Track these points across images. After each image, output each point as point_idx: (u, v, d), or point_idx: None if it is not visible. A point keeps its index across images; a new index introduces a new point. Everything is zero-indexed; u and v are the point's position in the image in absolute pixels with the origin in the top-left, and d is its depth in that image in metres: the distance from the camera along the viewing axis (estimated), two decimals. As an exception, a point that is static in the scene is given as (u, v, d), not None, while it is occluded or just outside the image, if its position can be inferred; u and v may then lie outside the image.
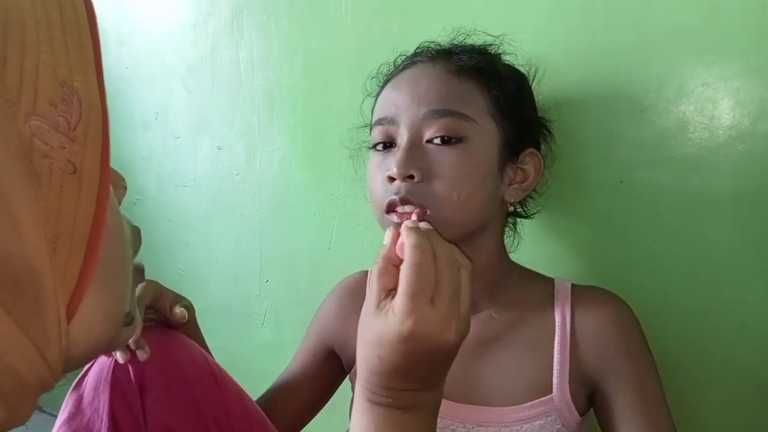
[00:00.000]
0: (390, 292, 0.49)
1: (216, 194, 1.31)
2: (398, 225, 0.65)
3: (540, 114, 0.79)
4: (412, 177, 0.65)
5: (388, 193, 0.66)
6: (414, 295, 0.46)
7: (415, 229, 0.49)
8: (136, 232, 0.43)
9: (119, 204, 0.40)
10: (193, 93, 1.32)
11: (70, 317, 0.33)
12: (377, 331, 0.47)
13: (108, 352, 0.41)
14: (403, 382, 0.49)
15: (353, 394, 0.82)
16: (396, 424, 0.50)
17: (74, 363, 0.36)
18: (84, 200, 0.33)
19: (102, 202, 0.34)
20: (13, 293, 0.30)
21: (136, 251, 0.43)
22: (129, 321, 0.40)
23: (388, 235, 0.53)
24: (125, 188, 0.43)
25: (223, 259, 1.33)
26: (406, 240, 0.48)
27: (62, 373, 0.35)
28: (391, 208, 0.66)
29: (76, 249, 0.33)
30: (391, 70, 0.76)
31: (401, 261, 0.49)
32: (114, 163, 0.36)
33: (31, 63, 0.32)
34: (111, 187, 0.36)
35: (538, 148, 0.75)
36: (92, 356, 0.38)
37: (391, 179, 0.66)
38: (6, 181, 0.30)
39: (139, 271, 0.45)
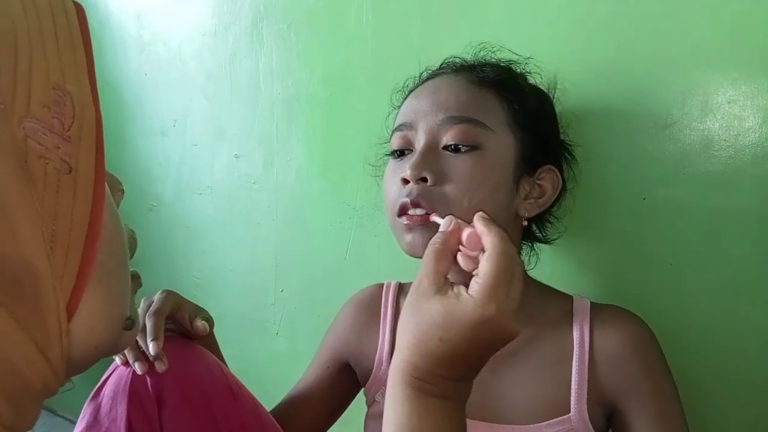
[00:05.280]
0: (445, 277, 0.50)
1: (233, 202, 1.32)
2: (411, 223, 0.65)
3: (563, 137, 0.78)
4: (425, 180, 0.65)
5: (400, 195, 0.67)
6: (500, 282, 0.47)
7: (493, 221, 0.51)
8: (132, 236, 0.43)
9: (117, 206, 0.41)
10: (211, 101, 1.33)
11: (70, 316, 0.34)
12: (443, 313, 0.47)
13: (110, 355, 0.42)
14: (453, 369, 0.49)
15: (368, 407, 0.83)
16: (440, 413, 0.49)
17: (77, 365, 0.36)
18: (80, 199, 0.34)
19: (98, 201, 0.35)
20: (12, 293, 0.30)
21: (131, 254, 0.43)
22: (129, 325, 0.41)
23: (447, 222, 0.53)
24: (122, 191, 0.43)
25: (239, 267, 1.33)
26: (493, 228, 0.49)
27: (66, 376, 0.35)
28: (402, 212, 0.66)
29: (74, 248, 0.33)
30: (416, 83, 0.77)
31: (457, 249, 0.51)
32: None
33: (23, 68, 0.32)
34: (107, 188, 0.36)
35: (559, 168, 0.74)
36: (94, 359, 0.38)
37: (405, 182, 0.66)
38: (1, 184, 0.30)
39: (135, 277, 0.45)
